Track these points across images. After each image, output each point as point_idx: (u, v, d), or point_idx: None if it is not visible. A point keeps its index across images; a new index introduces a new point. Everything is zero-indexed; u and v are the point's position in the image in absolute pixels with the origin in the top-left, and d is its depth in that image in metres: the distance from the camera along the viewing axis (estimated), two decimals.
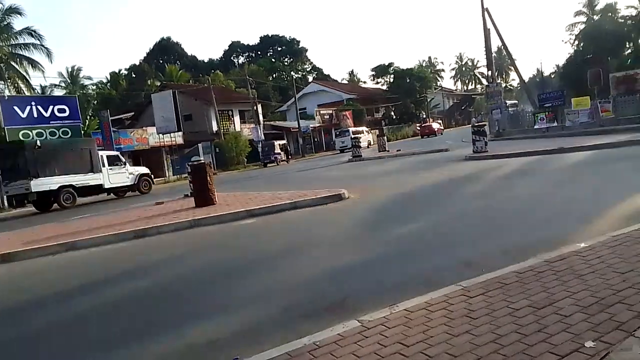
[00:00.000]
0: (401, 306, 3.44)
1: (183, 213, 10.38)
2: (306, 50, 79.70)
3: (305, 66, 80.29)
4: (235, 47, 78.44)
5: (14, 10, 33.36)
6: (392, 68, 66.89)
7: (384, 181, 13.02)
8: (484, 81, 77.37)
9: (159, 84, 50.57)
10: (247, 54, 78.60)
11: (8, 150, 19.33)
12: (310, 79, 73.38)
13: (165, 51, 70.73)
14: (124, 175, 20.84)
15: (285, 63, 77.16)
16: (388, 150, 27.03)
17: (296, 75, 66.96)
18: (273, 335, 3.39)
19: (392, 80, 65.06)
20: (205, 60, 74.84)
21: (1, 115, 26.58)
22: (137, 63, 66.13)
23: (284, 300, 4.19)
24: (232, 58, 77.99)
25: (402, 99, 61.10)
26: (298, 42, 78.62)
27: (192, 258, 6.76)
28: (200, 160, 12.27)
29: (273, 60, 75.68)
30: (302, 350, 2.95)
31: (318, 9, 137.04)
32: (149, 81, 55.49)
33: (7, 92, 32.73)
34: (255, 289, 4.70)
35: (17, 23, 33.55)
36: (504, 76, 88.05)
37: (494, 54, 34.05)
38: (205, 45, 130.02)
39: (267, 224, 8.52)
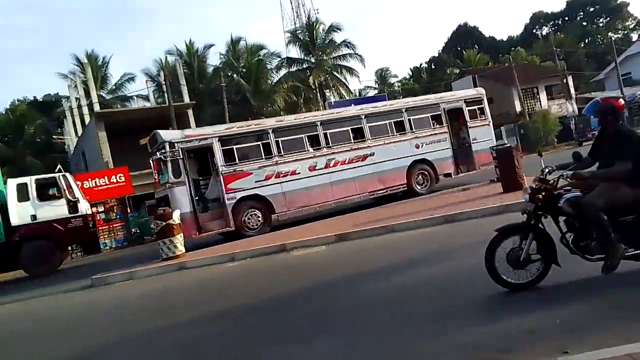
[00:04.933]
0: None
1: (490, 199, 10.34)
2: (627, 5, 66.68)
3: (627, 23, 67.35)
4: (538, 18, 72.09)
5: (334, 28, 39.36)
6: None
7: None
8: None
9: (457, 71, 51.13)
10: (551, 23, 71.23)
11: None
12: (635, 37, 61.12)
13: (463, 37, 70.78)
14: None
15: (600, 25, 66.48)
16: None
17: (615, 36, 56.90)
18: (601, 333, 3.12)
19: None
20: (504, 39, 71.52)
21: None
22: (436, 54, 68.51)
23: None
24: (534, 31, 72.01)
25: None
26: None
27: None
28: (505, 144, 11.94)
29: (584, 24, 66.29)
30: None
31: None
32: (447, 70, 56.75)
33: (332, 99, 38.87)
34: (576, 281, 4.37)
35: (337, 37, 39.37)
36: None
37: None
38: (503, 24, 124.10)
39: None
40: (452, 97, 16.20)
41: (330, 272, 7.16)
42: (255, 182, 12.62)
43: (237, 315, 5.68)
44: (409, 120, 14.75)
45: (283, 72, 39.63)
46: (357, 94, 48.00)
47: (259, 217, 12.57)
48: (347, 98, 38.70)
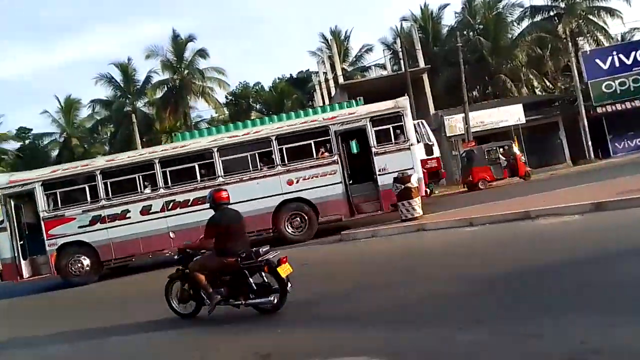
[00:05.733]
0: None
1: None
2: None
3: None
4: None
5: None
6: None
7: None
8: None
9: None
10: None
11: None
12: None
13: None
14: None
15: None
16: None
17: None
18: None
19: None
20: None
21: (584, 71, 27.83)
22: None
23: None
24: None
25: None
26: None
27: None
28: None
29: None
30: None
31: None
32: None
33: (587, 47, 33.70)
34: None
35: None
36: None
37: None
38: None
39: None
40: (350, 115, 12.24)
41: (581, 244, 6.50)
42: (79, 227, 11.90)
43: (473, 281, 5.68)
44: (281, 150, 12.00)
45: (525, 23, 36.00)
46: (619, 39, 40.45)
47: (84, 263, 11.84)
48: (607, 45, 33.02)
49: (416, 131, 14.75)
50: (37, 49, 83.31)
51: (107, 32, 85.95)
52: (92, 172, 12.15)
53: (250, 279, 5.51)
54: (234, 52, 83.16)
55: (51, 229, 11.97)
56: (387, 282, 6.43)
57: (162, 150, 12.69)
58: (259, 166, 12.06)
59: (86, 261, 11.94)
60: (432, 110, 27.87)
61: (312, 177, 11.89)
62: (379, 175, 11.89)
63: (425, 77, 27.80)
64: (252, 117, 38.79)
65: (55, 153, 41.07)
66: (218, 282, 5.71)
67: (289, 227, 11.89)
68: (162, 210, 11.93)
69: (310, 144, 12.04)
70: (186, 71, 38.43)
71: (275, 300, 5.49)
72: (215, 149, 12.02)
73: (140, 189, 12.13)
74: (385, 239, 10.18)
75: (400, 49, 28.39)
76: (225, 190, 6.12)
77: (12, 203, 12.21)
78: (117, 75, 38.72)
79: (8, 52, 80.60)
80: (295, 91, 43.34)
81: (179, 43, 37.93)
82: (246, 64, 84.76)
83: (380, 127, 12.03)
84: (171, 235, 6.96)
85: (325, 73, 33.93)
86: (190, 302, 6.11)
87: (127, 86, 38.94)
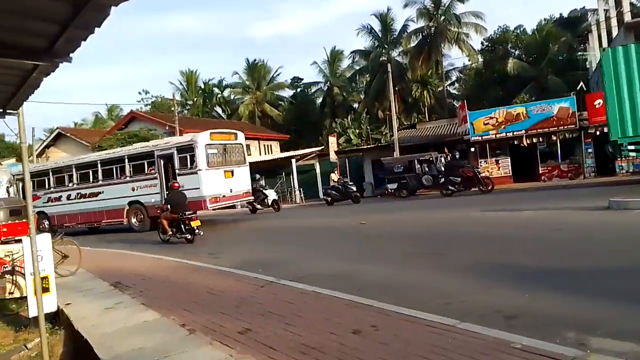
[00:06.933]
0: None
1: None
2: None
3: None
4: None
5: None
6: None
7: None
8: None
9: None
10: None
11: None
12: None
13: None
14: None
15: None
16: None
17: None
18: None
19: None
20: None
21: None
22: None
23: None
24: None
25: None
26: None
27: None
28: None
29: None
30: None
31: None
32: None
33: None
34: None
35: None
36: None
37: None
38: None
39: None
40: (165, 144, 16.43)
41: None
42: (43, 203, 18.49)
43: None
44: (129, 165, 16.65)
45: None
46: None
47: (46, 225, 18.02)
48: None
49: None
50: (311, 6, 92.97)
51: None
52: (47, 170, 19.04)
53: (183, 226, 11.32)
54: None
55: (33, 201, 17.75)
56: None
57: (77, 159, 18.96)
58: (118, 175, 16.94)
59: (47, 224, 18.37)
60: None
61: (144, 187, 16.21)
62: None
63: None
64: (509, 65, 35.82)
65: (319, 100, 46.06)
66: (172, 225, 11.53)
67: (135, 220, 16.51)
68: (75, 198, 17.99)
69: (144, 163, 16.32)
70: (442, 17, 37.54)
71: (189, 237, 11.20)
72: (98, 161, 17.59)
73: (67, 182, 18.36)
74: None
75: None
76: (177, 182, 12.94)
77: (20, 184, 18.94)
78: (376, 26, 40.42)
79: (289, 10, 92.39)
80: (563, 34, 37.84)
81: None
82: (508, 5, 77.58)
83: (182, 155, 15.47)
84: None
85: (606, 11, 28.54)
86: (164, 235, 11.66)
87: (384, 36, 40.36)
